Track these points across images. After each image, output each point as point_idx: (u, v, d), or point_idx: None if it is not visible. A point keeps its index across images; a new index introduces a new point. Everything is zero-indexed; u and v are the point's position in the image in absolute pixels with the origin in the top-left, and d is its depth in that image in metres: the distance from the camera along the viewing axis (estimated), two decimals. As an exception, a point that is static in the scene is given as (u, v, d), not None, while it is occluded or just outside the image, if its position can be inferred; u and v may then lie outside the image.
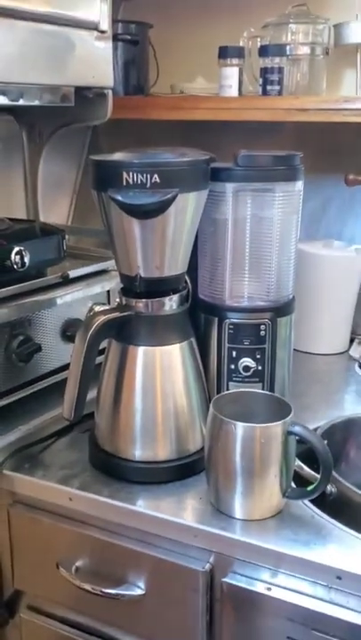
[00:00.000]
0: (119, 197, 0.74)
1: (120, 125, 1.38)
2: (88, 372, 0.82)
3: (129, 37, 1.35)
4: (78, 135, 1.52)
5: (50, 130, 1.21)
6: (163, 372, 0.85)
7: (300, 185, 0.87)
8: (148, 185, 0.74)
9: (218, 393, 0.91)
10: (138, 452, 0.85)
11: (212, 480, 0.79)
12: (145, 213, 0.76)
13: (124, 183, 0.75)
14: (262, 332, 0.88)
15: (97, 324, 0.81)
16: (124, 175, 0.75)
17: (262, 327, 0.87)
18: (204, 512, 0.79)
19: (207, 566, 0.77)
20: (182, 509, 0.81)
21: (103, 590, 0.83)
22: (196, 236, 0.89)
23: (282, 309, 0.90)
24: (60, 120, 1.18)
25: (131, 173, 0.74)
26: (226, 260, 0.87)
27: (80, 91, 1.08)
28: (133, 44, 1.37)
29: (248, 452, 0.75)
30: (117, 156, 0.78)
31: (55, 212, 1.52)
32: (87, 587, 0.83)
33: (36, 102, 1.03)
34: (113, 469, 0.86)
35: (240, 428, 0.75)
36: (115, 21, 1.37)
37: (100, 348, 0.85)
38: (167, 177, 0.75)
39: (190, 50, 1.44)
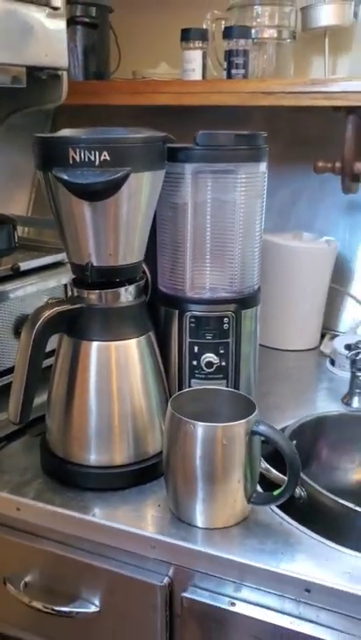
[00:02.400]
0: (65, 177, 0.68)
1: (81, 113, 1.31)
2: (35, 369, 0.75)
3: (87, 20, 1.29)
4: (36, 124, 1.45)
5: (2, 115, 1.14)
6: (119, 370, 0.78)
7: (263, 166, 0.81)
8: (97, 163, 0.68)
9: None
10: (93, 457, 0.78)
11: (171, 486, 0.73)
12: (94, 194, 0.69)
13: (71, 161, 0.68)
14: (226, 326, 0.81)
15: (44, 316, 0.74)
16: (71, 152, 0.68)
17: (226, 320, 0.81)
18: (163, 521, 0.73)
19: (166, 580, 0.71)
20: (140, 518, 0.74)
21: (55, 608, 0.76)
22: (156, 223, 0.83)
23: (247, 301, 0.84)
24: (12, 104, 1.11)
25: (78, 150, 0.68)
26: (186, 249, 0.81)
27: (33, 72, 1.01)
28: (93, 27, 1.30)
29: (209, 455, 0.69)
30: (63, 132, 0.71)
31: (12, 206, 1.44)
32: (37, 605, 0.76)
33: (-16, 83, 0.96)
34: (66, 476, 0.80)
35: (200, 427, 0.68)
36: (73, 2, 1.31)
37: (53, 348, 0.78)
38: (118, 155, 0.69)
39: (153, 35, 1.38)
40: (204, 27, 1.23)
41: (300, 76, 1.26)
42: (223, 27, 1.21)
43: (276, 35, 1.22)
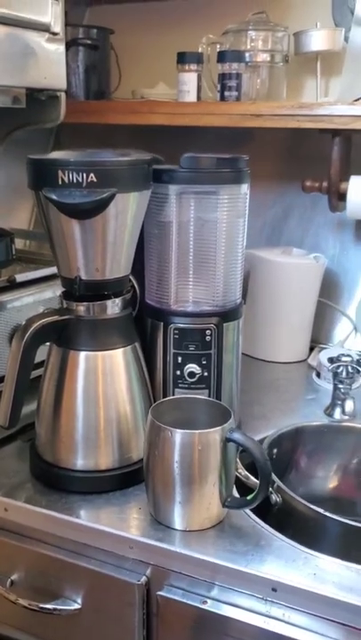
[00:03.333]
0: (54, 196, 0.72)
1: (83, 130, 1.36)
2: (25, 375, 0.80)
3: (89, 42, 1.34)
4: (39, 141, 1.50)
5: (3, 133, 1.19)
6: (105, 378, 0.82)
7: (245, 188, 0.85)
8: (84, 184, 0.72)
9: (163, 400, 0.88)
10: (79, 462, 0.82)
11: (150, 489, 0.77)
12: (82, 213, 0.74)
13: (60, 182, 0.73)
14: (208, 338, 0.85)
15: (34, 326, 0.79)
16: (60, 174, 0.73)
17: (208, 332, 0.85)
18: (143, 523, 0.77)
19: (143, 579, 0.74)
20: (121, 520, 0.78)
21: (40, 606, 0.79)
22: (144, 240, 0.87)
23: (229, 314, 0.88)
24: (13, 123, 1.16)
25: (67, 172, 0.72)
26: (171, 264, 0.85)
27: (32, 93, 1.07)
28: (93, 48, 1.35)
29: (186, 460, 0.73)
30: (54, 155, 0.76)
31: (14, 219, 1.49)
32: (23, 602, 0.80)
33: (-14, 103, 1.01)
34: (53, 480, 0.84)
35: (178, 434, 0.72)
36: (77, 26, 1.37)
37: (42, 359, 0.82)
38: (104, 176, 0.73)
39: (153, 56, 1.43)
40: (200, 50, 1.28)
41: (292, 98, 1.31)
42: (218, 50, 1.26)
43: (269, 58, 1.27)
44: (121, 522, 0.78)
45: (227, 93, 1.21)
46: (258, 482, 0.79)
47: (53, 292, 1.08)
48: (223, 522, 0.77)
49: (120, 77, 1.44)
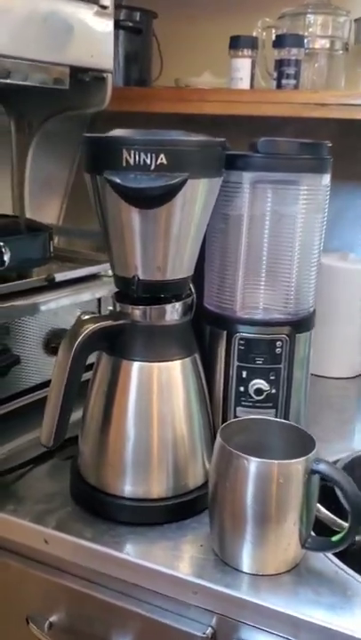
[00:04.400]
0: (117, 180, 0.62)
1: (118, 121, 1.25)
2: (72, 390, 0.69)
3: (131, 24, 1.24)
4: (72, 131, 1.40)
5: (40, 118, 1.09)
6: (160, 393, 0.72)
7: (327, 179, 0.75)
8: (153, 167, 0.62)
9: (223, 420, 0.78)
10: (128, 488, 0.72)
11: (216, 524, 0.66)
12: (147, 200, 0.63)
13: (124, 164, 0.62)
14: (278, 350, 0.75)
15: (85, 332, 0.68)
16: (125, 154, 0.62)
17: (278, 344, 0.75)
18: (206, 563, 0.66)
19: (209, 631, 0.64)
20: (179, 558, 0.67)
21: (81, 653, 0.69)
22: (205, 235, 0.77)
23: (301, 324, 0.77)
24: (53, 107, 1.06)
25: (132, 152, 0.62)
26: (239, 264, 0.75)
27: (76, 73, 0.97)
28: (136, 32, 1.25)
29: (263, 494, 0.62)
30: (116, 132, 0.66)
31: (44, 214, 1.39)
32: (62, 648, 0.69)
33: (27, 83, 0.91)
34: (98, 506, 0.73)
35: (254, 463, 0.62)
36: (117, 6, 1.26)
37: (88, 362, 0.72)
38: (176, 158, 0.63)
39: (197, 43, 1.33)
40: (254, 34, 1.18)
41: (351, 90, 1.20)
42: (274, 35, 1.16)
43: (328, 45, 1.17)
44: (179, 560, 0.67)
45: (284, 81, 1.11)
46: (329, 514, 0.70)
47: (92, 294, 0.98)
48: (299, 565, 0.66)
49: (162, 65, 1.34)
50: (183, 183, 0.63)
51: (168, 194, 0.63)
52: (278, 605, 0.61)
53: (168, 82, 1.31)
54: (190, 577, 0.64)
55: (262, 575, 0.64)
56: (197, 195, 0.67)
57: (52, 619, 0.72)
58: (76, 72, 0.96)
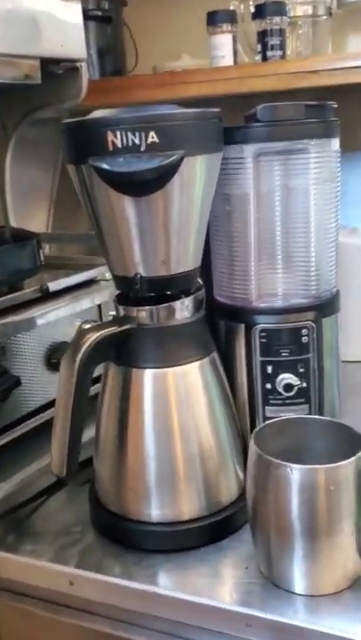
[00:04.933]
0: (104, 166, 0.54)
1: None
2: (80, 408, 0.61)
3: (100, 13, 1.17)
4: (50, 135, 1.33)
5: (15, 119, 1.02)
6: (179, 402, 0.64)
7: (336, 144, 0.67)
8: (143, 147, 0.54)
9: (252, 423, 0.70)
10: (155, 512, 0.64)
11: (260, 542, 0.58)
12: (140, 186, 0.56)
13: (111, 147, 0.55)
14: (305, 339, 0.67)
15: (88, 343, 0.60)
16: (110, 136, 0.54)
17: (304, 332, 0.67)
18: (255, 588, 0.58)
19: (268, 667, 0.56)
20: (222, 585, 0.60)
21: None
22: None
23: (326, 307, 0.70)
24: (27, 105, 0.98)
25: (118, 133, 0.54)
26: (249, 249, 0.67)
27: (47, 66, 0.89)
28: (106, 21, 1.18)
29: (311, 505, 0.54)
30: (97, 114, 0.58)
31: (30, 222, 1.31)
32: None
33: (-6, 80, 0.84)
34: (123, 536, 0.65)
35: (298, 471, 0.54)
36: (84, -1, 1.19)
37: (94, 375, 0.64)
38: (168, 135, 0.55)
39: (171, 26, 1.27)
40: (231, 8, 1.10)
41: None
42: (252, 7, 1.09)
43: (310, 11, 1.10)
44: (222, 587, 0.59)
45: (270, 53, 1.04)
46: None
47: (91, 300, 0.90)
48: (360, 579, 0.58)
49: (137, 54, 1.27)
50: (179, 162, 0.55)
51: (163, 176, 0.55)
52: (342, 630, 0.53)
53: (146, 70, 1.24)
54: (240, 607, 0.56)
55: (320, 596, 0.56)
56: (196, 174, 0.59)
57: (86, 669, 0.64)
58: (48, 64, 0.88)
